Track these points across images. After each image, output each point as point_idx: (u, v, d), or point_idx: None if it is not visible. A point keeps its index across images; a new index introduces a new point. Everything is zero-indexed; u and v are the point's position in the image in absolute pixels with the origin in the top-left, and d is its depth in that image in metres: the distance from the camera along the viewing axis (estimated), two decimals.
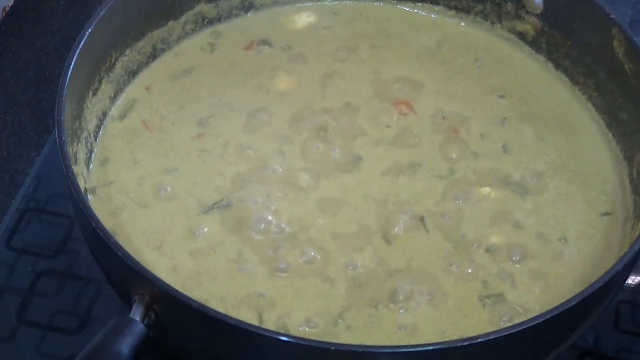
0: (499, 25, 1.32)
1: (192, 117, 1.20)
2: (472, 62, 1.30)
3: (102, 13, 1.15)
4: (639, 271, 1.11)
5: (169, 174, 1.15)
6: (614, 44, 1.19)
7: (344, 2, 1.35)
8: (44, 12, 1.37)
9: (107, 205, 1.11)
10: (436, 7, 1.34)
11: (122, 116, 1.20)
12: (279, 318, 1.03)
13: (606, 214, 1.15)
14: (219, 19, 1.30)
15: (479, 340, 0.92)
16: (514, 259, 1.10)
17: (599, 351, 1.16)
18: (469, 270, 1.09)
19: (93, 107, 1.17)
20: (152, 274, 0.94)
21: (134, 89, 1.23)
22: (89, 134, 1.16)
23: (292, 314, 1.04)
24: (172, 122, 1.20)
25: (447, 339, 0.98)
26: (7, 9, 1.29)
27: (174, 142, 1.18)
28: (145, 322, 0.94)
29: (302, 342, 0.93)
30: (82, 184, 1.09)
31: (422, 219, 1.12)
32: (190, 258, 1.08)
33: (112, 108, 1.21)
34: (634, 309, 1.19)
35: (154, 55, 1.26)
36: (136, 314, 0.94)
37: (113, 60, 1.20)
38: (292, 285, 1.06)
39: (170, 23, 1.26)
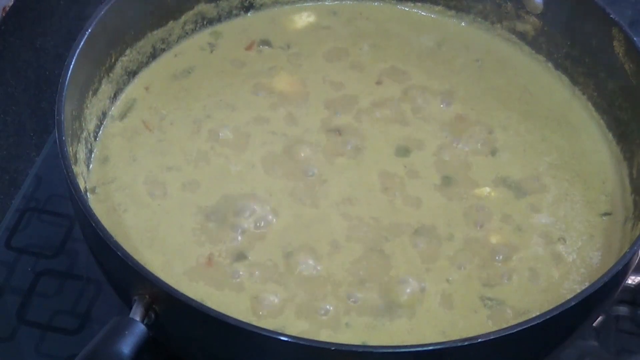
0: (499, 25, 1.32)
1: (191, 117, 1.20)
2: (472, 62, 1.30)
3: (102, 13, 1.15)
4: (639, 271, 1.11)
5: (168, 173, 1.15)
6: (614, 44, 1.19)
7: (343, 2, 1.35)
8: (44, 12, 1.37)
9: (106, 204, 1.11)
10: (436, 7, 1.34)
11: (122, 116, 1.20)
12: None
13: (606, 214, 1.15)
14: (218, 19, 1.30)
15: (479, 340, 0.93)
16: (514, 259, 1.10)
17: (599, 351, 1.16)
18: (470, 270, 1.09)
19: (93, 107, 1.17)
20: (152, 274, 0.94)
21: (133, 89, 1.23)
22: (89, 134, 1.16)
23: (288, 320, 1.04)
24: (171, 122, 1.20)
25: (447, 339, 0.98)
26: (7, 9, 1.29)
27: (173, 142, 1.18)
28: (145, 322, 0.94)
29: (302, 342, 0.93)
30: (82, 184, 1.09)
31: (421, 219, 1.13)
32: (189, 257, 1.08)
33: (112, 108, 1.21)
34: (634, 309, 1.19)
35: (153, 55, 1.26)
36: (136, 314, 0.94)
37: (113, 60, 1.20)
38: (290, 289, 1.06)
39: (170, 23, 1.26)
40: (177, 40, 1.28)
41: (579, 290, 1.00)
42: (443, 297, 1.06)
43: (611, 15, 1.19)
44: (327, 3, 1.35)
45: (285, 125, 1.20)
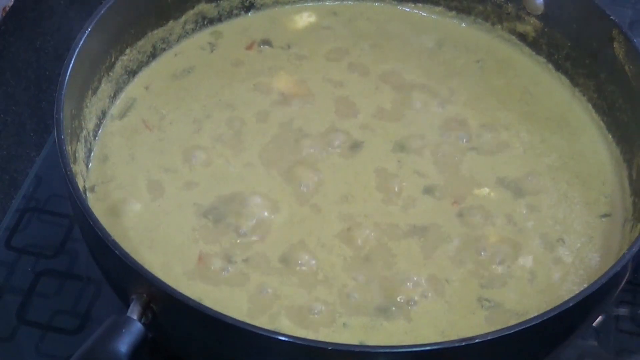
0: (499, 27, 1.32)
1: (191, 116, 1.20)
2: (472, 63, 1.30)
3: (102, 13, 1.15)
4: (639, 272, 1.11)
5: (167, 172, 1.15)
6: (614, 45, 1.19)
7: (344, 2, 1.35)
8: (44, 12, 1.37)
9: (105, 203, 1.11)
10: (437, 8, 1.34)
11: (122, 115, 1.20)
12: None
13: (605, 215, 1.15)
14: (219, 19, 1.30)
15: (477, 340, 0.92)
16: (513, 260, 1.10)
17: (599, 351, 1.16)
18: (468, 271, 1.09)
19: (93, 106, 1.17)
20: (150, 273, 0.94)
21: (133, 88, 1.23)
22: (89, 133, 1.16)
23: (286, 320, 1.04)
24: (171, 122, 1.20)
25: (445, 340, 0.98)
26: (7, 9, 1.29)
27: (173, 141, 1.18)
28: (142, 320, 0.94)
29: (300, 342, 0.93)
30: (80, 183, 1.09)
31: (420, 219, 1.13)
32: (188, 258, 1.08)
33: (112, 107, 1.21)
34: (634, 309, 1.19)
35: (153, 55, 1.26)
36: (134, 312, 0.93)
37: (113, 60, 1.20)
38: (289, 288, 1.06)
39: (170, 23, 1.26)
40: (178, 40, 1.28)
41: (577, 292, 1.00)
42: (441, 298, 1.06)
43: (611, 17, 1.19)
44: (327, 3, 1.35)
45: (285, 125, 1.20)
